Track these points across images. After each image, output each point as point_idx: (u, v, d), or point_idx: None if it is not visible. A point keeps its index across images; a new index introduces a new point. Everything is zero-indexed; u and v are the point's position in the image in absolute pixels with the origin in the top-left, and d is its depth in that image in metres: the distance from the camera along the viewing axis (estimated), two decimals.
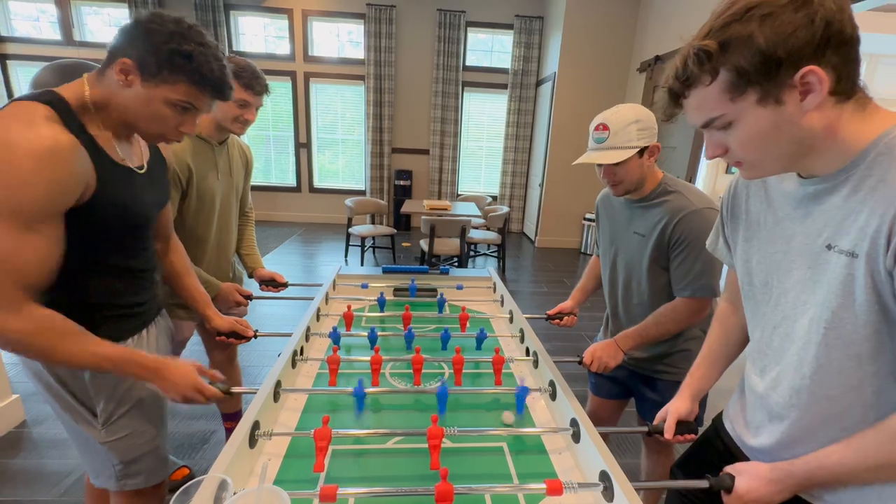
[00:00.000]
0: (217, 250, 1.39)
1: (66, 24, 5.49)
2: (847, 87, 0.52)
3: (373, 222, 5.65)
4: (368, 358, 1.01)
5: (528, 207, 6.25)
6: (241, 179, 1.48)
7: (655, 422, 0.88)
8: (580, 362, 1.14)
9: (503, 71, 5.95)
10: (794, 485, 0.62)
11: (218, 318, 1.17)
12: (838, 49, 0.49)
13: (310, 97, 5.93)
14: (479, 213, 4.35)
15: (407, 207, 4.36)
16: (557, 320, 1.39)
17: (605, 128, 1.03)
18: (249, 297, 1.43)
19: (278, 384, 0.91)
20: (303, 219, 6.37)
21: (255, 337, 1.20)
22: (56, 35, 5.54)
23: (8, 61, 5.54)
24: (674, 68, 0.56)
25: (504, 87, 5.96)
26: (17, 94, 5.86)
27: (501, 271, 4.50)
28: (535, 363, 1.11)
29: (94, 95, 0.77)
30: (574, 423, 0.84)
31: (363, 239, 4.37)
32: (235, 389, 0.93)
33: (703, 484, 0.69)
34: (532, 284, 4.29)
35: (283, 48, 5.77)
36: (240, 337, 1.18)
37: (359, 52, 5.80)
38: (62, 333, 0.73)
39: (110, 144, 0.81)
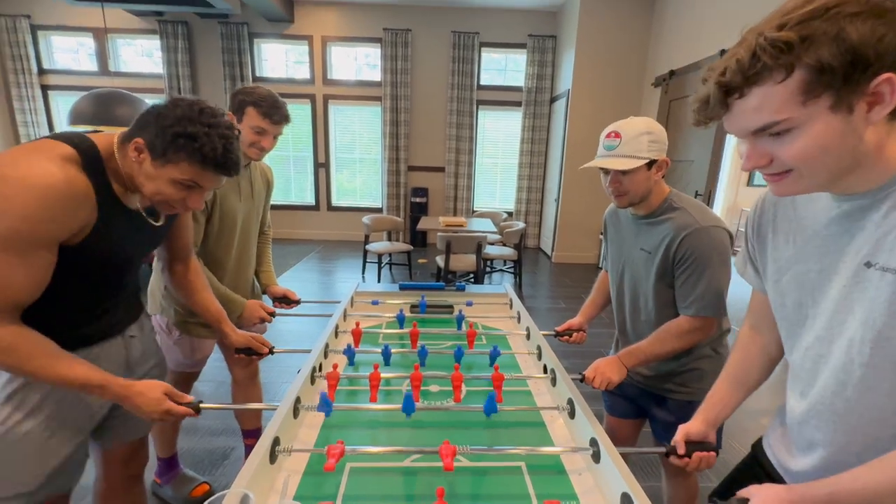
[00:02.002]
0: (237, 270, 1.43)
1: (102, 56, 5.84)
2: None
3: (389, 239, 5.72)
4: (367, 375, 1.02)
5: (545, 222, 6.23)
6: (262, 200, 1.53)
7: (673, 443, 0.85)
8: (582, 379, 1.12)
9: (517, 89, 6.02)
10: None
11: (234, 333, 1.20)
12: None
13: (328, 118, 6.11)
14: (495, 229, 4.35)
15: (423, 224, 4.40)
16: (566, 337, 1.37)
17: (617, 135, 1.04)
18: (273, 314, 1.46)
19: (298, 401, 0.92)
20: (321, 236, 6.49)
21: (272, 353, 1.22)
22: (93, 66, 5.89)
23: (49, 92, 5.89)
24: (734, 60, 0.49)
25: (518, 104, 6.03)
26: (56, 123, 6.20)
27: (518, 287, 4.47)
28: (553, 381, 1.10)
29: (119, 159, 0.83)
30: (594, 442, 0.83)
31: (380, 256, 4.42)
32: (256, 406, 0.95)
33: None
34: (549, 300, 4.25)
35: (303, 72, 5.99)
36: (255, 353, 1.21)
37: (376, 75, 5.97)
38: (33, 351, 0.76)
39: (126, 194, 0.86)
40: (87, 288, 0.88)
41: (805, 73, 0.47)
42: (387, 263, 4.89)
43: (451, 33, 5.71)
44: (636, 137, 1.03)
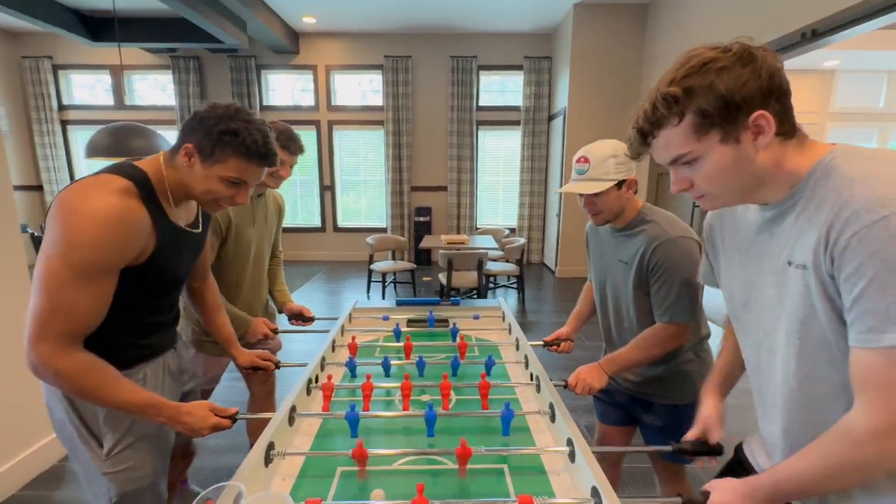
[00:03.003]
0: (251, 291, 1.51)
1: (118, 91, 6.14)
2: (787, 128, 0.60)
3: (393, 258, 5.81)
4: (358, 384, 1.08)
5: (547, 238, 6.28)
6: (275, 226, 1.62)
7: (689, 437, 0.89)
8: (566, 386, 1.16)
9: (515, 108, 6.18)
10: (765, 497, 0.63)
11: (241, 355, 1.27)
12: (780, 98, 0.58)
13: (333, 143, 6.31)
14: (497, 246, 4.42)
15: (426, 243, 4.49)
16: (555, 347, 1.42)
17: (586, 160, 1.11)
18: (275, 331, 1.54)
19: (293, 409, 0.98)
20: (327, 257, 6.60)
21: (278, 367, 1.29)
22: (109, 100, 6.18)
23: (68, 126, 6.19)
24: (643, 111, 0.63)
25: (517, 123, 6.17)
26: (74, 155, 6.47)
27: (521, 302, 4.50)
28: (538, 387, 1.14)
29: (168, 174, 0.92)
30: (570, 442, 0.87)
31: (384, 274, 4.49)
32: (252, 416, 1.01)
33: (676, 501, 0.71)
34: (553, 314, 4.26)
35: (309, 100, 6.22)
36: (262, 369, 1.27)
37: (378, 100, 6.18)
38: (101, 379, 0.83)
39: (174, 212, 0.95)
40: (146, 307, 0.97)
41: (693, 117, 0.59)
42: (391, 282, 4.96)
43: (450, 58, 5.91)
44: (603, 161, 1.10)
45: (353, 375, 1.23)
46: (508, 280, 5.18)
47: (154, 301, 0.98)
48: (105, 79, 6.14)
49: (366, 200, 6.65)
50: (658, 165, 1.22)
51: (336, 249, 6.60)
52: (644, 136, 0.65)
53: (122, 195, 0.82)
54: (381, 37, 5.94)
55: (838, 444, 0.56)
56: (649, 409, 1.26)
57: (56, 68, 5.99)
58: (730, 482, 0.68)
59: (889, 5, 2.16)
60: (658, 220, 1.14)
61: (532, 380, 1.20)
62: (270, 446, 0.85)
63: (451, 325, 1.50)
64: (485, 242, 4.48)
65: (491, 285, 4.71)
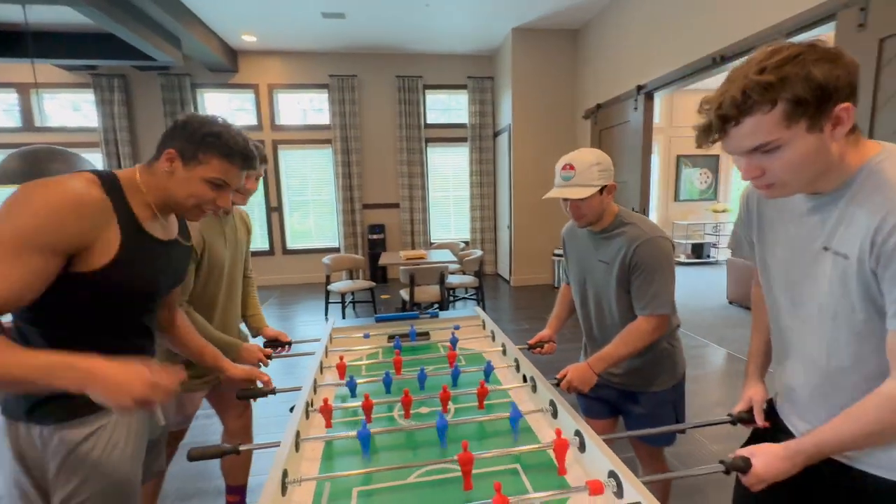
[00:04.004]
0: (224, 313, 1.44)
1: (26, 111, 5.53)
2: (853, 124, 0.66)
3: (351, 277, 5.68)
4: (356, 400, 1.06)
5: (500, 249, 6.48)
6: (245, 246, 1.56)
7: (736, 410, 0.97)
8: (557, 384, 1.22)
9: (462, 126, 6.38)
10: (806, 458, 0.72)
11: (233, 367, 1.22)
12: (854, 94, 0.63)
13: (279, 163, 6.11)
14: (455, 259, 4.49)
15: (384, 259, 4.45)
16: (539, 349, 1.48)
17: (572, 167, 1.20)
18: (269, 357, 1.46)
19: (297, 434, 0.95)
20: (279, 281, 6.31)
21: (275, 393, 1.22)
22: (15, 122, 5.55)
23: None
24: (729, 97, 0.63)
25: (464, 139, 6.37)
26: None
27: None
28: (534, 388, 1.19)
29: (145, 182, 0.89)
30: (578, 433, 0.92)
31: (343, 294, 4.38)
32: (247, 447, 0.95)
33: (719, 468, 0.77)
34: (512, 322, 4.39)
35: (250, 119, 6.00)
36: (258, 396, 1.21)
37: (324, 118, 6.10)
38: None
39: (149, 222, 0.92)
40: (112, 327, 0.89)
41: (786, 105, 0.61)
42: (350, 302, 4.85)
43: (396, 77, 6.00)
44: (588, 168, 1.19)
45: (353, 395, 1.20)
46: (467, 292, 5.26)
47: (121, 320, 0.91)
48: (10, 98, 5.52)
49: (314, 220, 6.48)
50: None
51: (288, 273, 6.34)
52: (726, 123, 0.65)
53: (82, 182, 0.81)
54: (326, 56, 5.91)
55: (881, 410, 0.66)
56: (633, 398, 1.35)
57: None
58: (770, 447, 0.75)
59: (793, 30, 2.55)
60: (636, 223, 1.25)
61: (525, 381, 1.24)
62: (284, 474, 0.81)
63: (451, 336, 1.51)
64: (443, 256, 4.54)
65: (451, 298, 4.75)
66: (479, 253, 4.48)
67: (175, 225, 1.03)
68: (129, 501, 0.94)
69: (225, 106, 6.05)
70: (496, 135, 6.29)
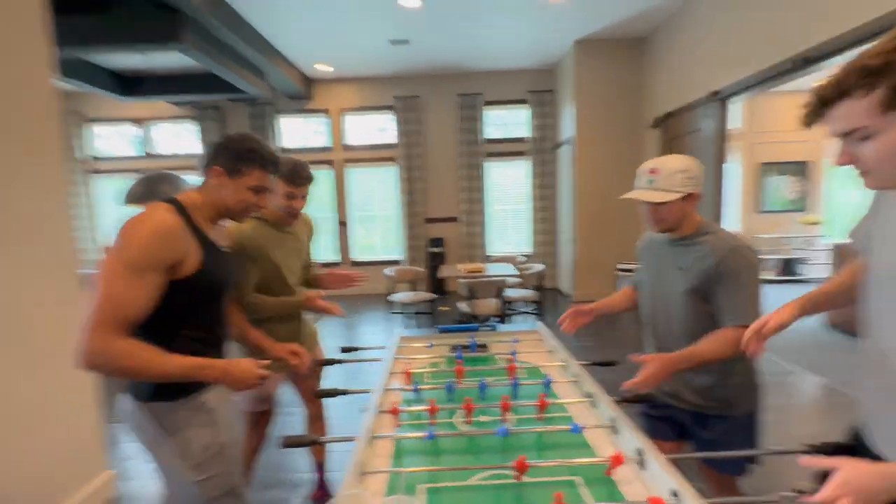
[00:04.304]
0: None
1: (144, 141, 6.46)
2: None
3: (412, 289, 5.88)
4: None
5: (560, 264, 6.35)
6: (307, 247, 1.79)
7: (762, 328, 0.94)
8: (620, 401, 1.18)
9: (522, 140, 6.41)
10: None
11: (273, 347, 1.45)
12: None
13: (347, 181, 6.54)
14: (515, 272, 4.49)
15: (443, 272, 4.58)
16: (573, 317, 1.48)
17: (656, 171, 1.21)
18: (327, 362, 1.62)
19: (371, 432, 1.05)
20: (345, 292, 6.68)
21: (345, 394, 1.35)
22: (135, 151, 6.50)
23: (96, 176, 6.48)
24: (834, 77, 0.63)
25: (524, 153, 6.39)
26: (100, 203, 6.74)
27: None
28: (594, 404, 1.20)
29: (201, 200, 1.11)
30: (639, 452, 0.92)
31: (405, 306, 4.56)
32: (327, 440, 1.09)
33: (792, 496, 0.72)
34: (574, 339, 4.28)
35: (323, 141, 6.50)
36: (333, 395, 1.36)
37: (390, 138, 6.45)
38: (149, 355, 0.96)
39: (210, 233, 1.14)
40: (206, 315, 1.11)
41: (885, 92, 0.60)
42: (412, 313, 5.02)
43: (457, 96, 6.20)
44: (672, 175, 1.20)
45: (418, 400, 1.29)
46: (527, 305, 5.22)
47: (208, 313, 1.13)
48: (132, 130, 6.49)
49: (379, 234, 6.81)
50: None
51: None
52: (824, 105, 0.64)
53: (164, 212, 1.03)
54: (390, 79, 6.27)
55: None
56: (704, 422, 1.30)
57: (84, 122, 6.34)
58: (858, 462, 0.66)
59: (872, 34, 2.32)
60: (720, 233, 1.23)
61: (586, 397, 1.25)
62: (360, 466, 0.91)
63: (511, 349, 1.56)
64: (502, 270, 4.57)
65: (509, 311, 4.75)
66: (539, 266, 4.45)
67: (222, 231, 1.25)
68: (232, 450, 1.17)
69: (300, 129, 6.62)
70: (557, 147, 6.24)
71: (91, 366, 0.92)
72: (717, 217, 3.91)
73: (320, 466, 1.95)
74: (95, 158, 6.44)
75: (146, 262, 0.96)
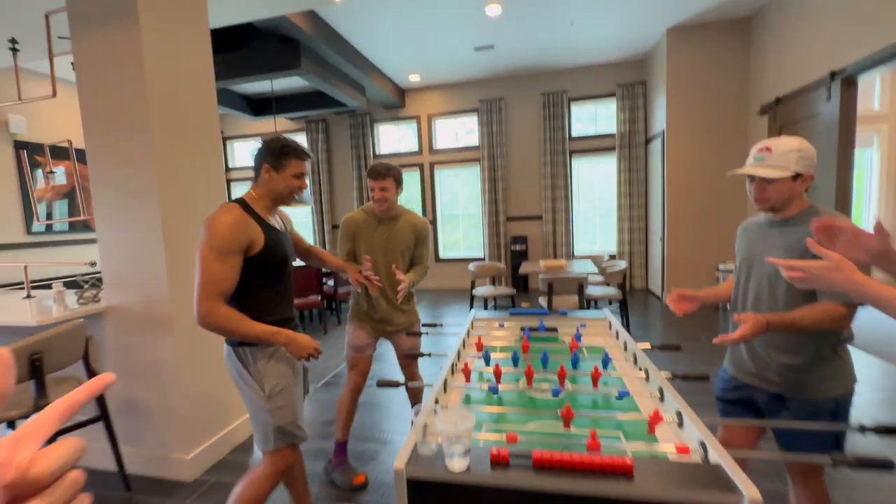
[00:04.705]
0: (385, 284, 2.03)
1: None
2: None
3: (493, 284, 6.07)
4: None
5: (651, 264, 6.04)
6: (406, 243, 2.07)
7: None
8: (673, 377, 1.24)
9: (610, 135, 6.23)
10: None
11: (348, 270, 1.87)
12: None
13: (434, 182, 6.96)
14: (596, 270, 4.44)
15: (524, 268, 4.70)
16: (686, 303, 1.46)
17: (769, 149, 1.24)
18: (417, 334, 1.92)
19: (445, 382, 1.29)
20: (431, 286, 7.13)
21: (429, 356, 1.61)
22: None
23: (231, 183, 7.78)
24: None
25: (612, 149, 6.20)
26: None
27: (626, 327, 4.40)
28: (647, 378, 1.29)
29: (258, 195, 1.44)
30: (679, 414, 1.02)
31: (485, 299, 4.78)
32: (414, 384, 1.35)
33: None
34: (662, 340, 4.10)
35: (412, 145, 7.01)
36: (414, 356, 1.63)
37: (474, 139, 6.73)
38: (240, 320, 1.29)
39: (269, 220, 1.45)
40: (273, 281, 1.43)
41: None
42: (492, 307, 5.21)
43: (541, 94, 6.25)
44: (786, 153, 1.21)
45: (487, 364, 1.50)
46: (610, 304, 5.10)
47: (279, 280, 1.46)
48: (256, 144, 7.66)
49: (462, 232, 7.12)
50: None
51: (438, 279, 7.11)
52: None
53: (234, 209, 1.36)
54: (476, 83, 6.54)
55: None
56: (783, 403, 1.28)
57: (225, 140, 7.66)
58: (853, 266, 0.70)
59: None
60: (828, 214, 1.20)
61: (641, 371, 1.35)
62: (436, 400, 1.15)
63: (576, 331, 1.70)
64: (584, 267, 4.54)
65: (591, 308, 4.70)
66: (623, 265, 4.35)
67: (279, 221, 1.55)
68: (300, 395, 1.51)
69: (393, 135, 7.22)
70: (648, 142, 5.95)
71: (204, 325, 1.28)
72: (844, 209, 3.47)
73: (343, 445, 2.13)
74: (230, 168, 7.74)
75: (228, 248, 1.28)
